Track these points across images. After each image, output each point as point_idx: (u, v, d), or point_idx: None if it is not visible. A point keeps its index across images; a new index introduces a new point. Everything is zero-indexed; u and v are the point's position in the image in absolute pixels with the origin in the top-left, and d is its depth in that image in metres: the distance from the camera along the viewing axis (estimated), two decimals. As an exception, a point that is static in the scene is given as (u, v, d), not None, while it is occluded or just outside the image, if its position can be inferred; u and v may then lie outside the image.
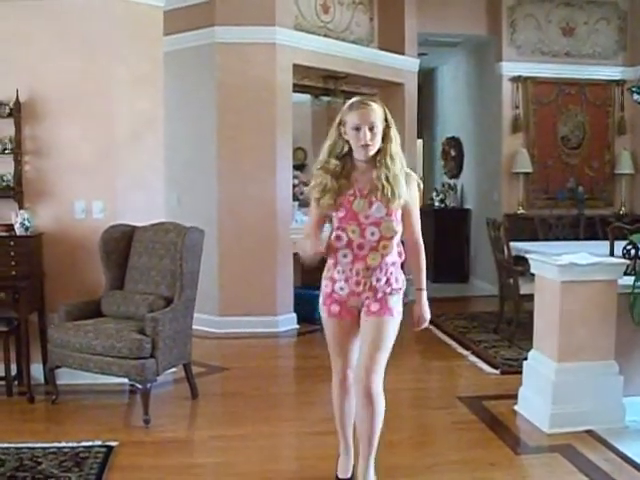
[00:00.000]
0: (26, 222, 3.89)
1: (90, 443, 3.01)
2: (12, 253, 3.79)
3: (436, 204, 8.32)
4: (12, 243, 3.80)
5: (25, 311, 3.73)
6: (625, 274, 3.50)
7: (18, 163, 4.01)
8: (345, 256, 2.48)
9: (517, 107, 7.05)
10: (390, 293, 2.51)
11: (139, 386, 3.35)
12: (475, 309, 6.36)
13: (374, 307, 2.49)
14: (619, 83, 7.08)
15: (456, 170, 8.34)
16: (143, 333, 3.45)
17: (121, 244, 3.97)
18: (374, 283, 2.48)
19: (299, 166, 6.55)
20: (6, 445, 2.98)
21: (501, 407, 3.65)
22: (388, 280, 2.50)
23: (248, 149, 5.42)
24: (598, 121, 7.17)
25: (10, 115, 3.98)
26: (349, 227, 2.44)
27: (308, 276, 5.85)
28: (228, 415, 3.66)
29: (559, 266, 3.41)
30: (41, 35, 4.03)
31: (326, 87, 6.49)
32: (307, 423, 3.47)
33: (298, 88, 5.93)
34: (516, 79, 6.98)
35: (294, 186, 5.81)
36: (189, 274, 3.74)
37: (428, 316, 2.66)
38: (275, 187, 5.46)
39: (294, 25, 5.71)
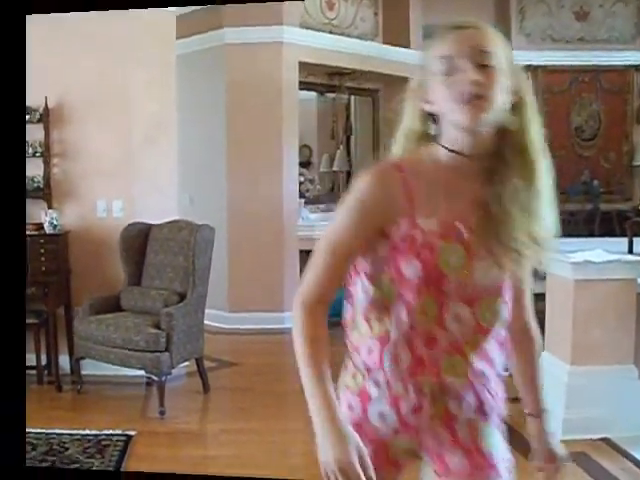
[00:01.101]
0: (54, 221, 4.19)
1: (111, 432, 3.31)
2: (42, 250, 4.09)
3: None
4: (42, 241, 4.11)
5: (53, 305, 4.07)
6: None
7: (47, 165, 4.31)
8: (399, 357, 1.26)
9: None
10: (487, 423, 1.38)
11: (155, 378, 3.65)
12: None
13: (455, 460, 1.32)
14: (638, 68, 6.86)
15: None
16: (158, 327, 3.73)
17: (138, 241, 4.25)
18: (452, 408, 1.30)
19: (305, 163, 6.69)
20: (38, 431, 3.29)
21: (512, 411, 3.66)
22: (482, 402, 1.35)
23: (256, 148, 5.58)
24: (615, 110, 6.93)
25: (40, 121, 4.27)
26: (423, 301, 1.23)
27: None
28: (239, 410, 3.89)
29: (572, 264, 3.24)
30: (66, 43, 4.29)
31: (331, 84, 6.58)
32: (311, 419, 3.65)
33: (303, 85, 6.06)
34: (526, 68, 6.85)
35: (300, 183, 5.97)
36: (200, 270, 3.98)
37: (562, 451, 1.50)
38: (282, 185, 5.64)
39: (300, 23, 5.81)
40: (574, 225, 6.00)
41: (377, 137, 7.00)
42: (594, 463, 2.98)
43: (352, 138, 6.96)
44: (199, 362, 4.03)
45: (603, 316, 3.28)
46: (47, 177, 4.32)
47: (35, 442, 3.20)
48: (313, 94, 6.79)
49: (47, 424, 3.41)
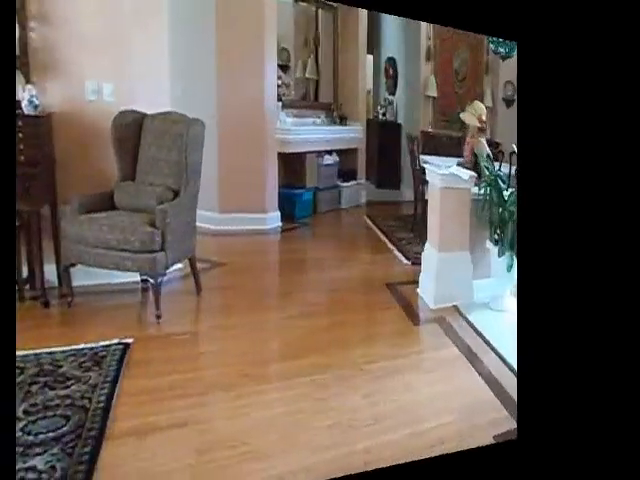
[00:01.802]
0: (34, 99, 1.96)
1: (107, 342, 1.80)
2: (20, 135, 1.89)
3: (380, 117, 6.04)
4: (20, 124, 1.89)
5: (37, 203, 1.97)
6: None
7: (23, 28, 1.93)
8: None
9: (429, 38, 4.79)
10: None
11: (151, 281, 2.04)
12: (401, 212, 4.86)
13: None
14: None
15: (393, 88, 5.89)
16: (154, 226, 2.00)
17: (132, 131, 2.18)
18: None
19: (284, 66, 4.10)
20: (24, 352, 1.67)
21: (409, 290, 2.79)
22: None
23: (241, 49, 3.19)
24: (475, 60, 5.10)
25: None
26: None
27: (287, 176, 3.98)
28: (225, 307, 2.46)
29: (440, 175, 2.50)
30: None
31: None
32: (282, 310, 2.42)
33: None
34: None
35: (278, 87, 3.64)
36: (193, 165, 2.15)
37: None
38: (263, 87, 3.34)
39: None
40: (450, 147, 4.65)
41: (336, 51, 4.51)
42: (447, 324, 2.42)
43: (319, 49, 4.41)
44: (192, 262, 2.36)
45: (456, 215, 2.56)
46: (23, 42, 1.95)
47: (23, 365, 1.62)
48: (290, -1, 3.88)
49: (35, 344, 1.76)
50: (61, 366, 1.68)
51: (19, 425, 1.38)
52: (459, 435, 1.53)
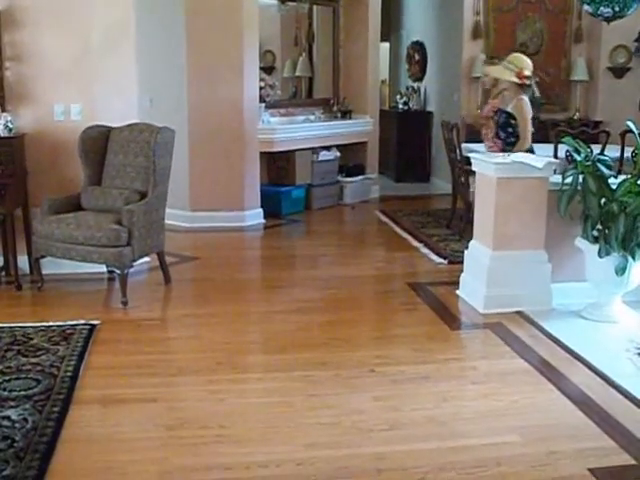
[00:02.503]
0: (9, 124, 3.78)
1: (75, 322, 3.08)
2: (-3, 153, 3.70)
3: (400, 106, 8.01)
4: (-3, 144, 3.71)
5: (11, 206, 3.69)
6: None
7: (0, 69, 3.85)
8: None
9: (478, 14, 6.63)
10: None
11: (117, 271, 3.41)
12: (432, 206, 6.38)
13: None
14: (578, -8, 6.68)
15: (420, 74, 7.95)
16: (120, 224, 3.46)
17: (98, 143, 3.89)
18: None
19: (268, 68, 6.20)
20: (0, 325, 3.04)
21: (444, 291, 3.79)
22: None
23: (216, 52, 5.14)
24: (556, 29, 6.82)
25: (-10, 23, 3.70)
26: None
27: (274, 174, 5.84)
28: (198, 297, 3.76)
29: (495, 164, 3.41)
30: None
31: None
32: (270, 304, 3.58)
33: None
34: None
35: (261, 88, 5.54)
36: (161, 170, 3.70)
37: None
38: (242, 89, 5.22)
39: None
40: None
41: (337, 45, 6.57)
42: (507, 331, 3.21)
43: (314, 46, 6.55)
44: (160, 256, 3.80)
45: (520, 209, 3.44)
46: (0, 80, 3.87)
47: None
48: (274, 1, 6.19)
49: (9, 319, 3.16)
50: (32, 338, 2.93)
51: (-5, 382, 2.53)
52: (525, 460, 2.09)
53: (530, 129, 4.00)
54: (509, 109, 3.89)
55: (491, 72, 4.11)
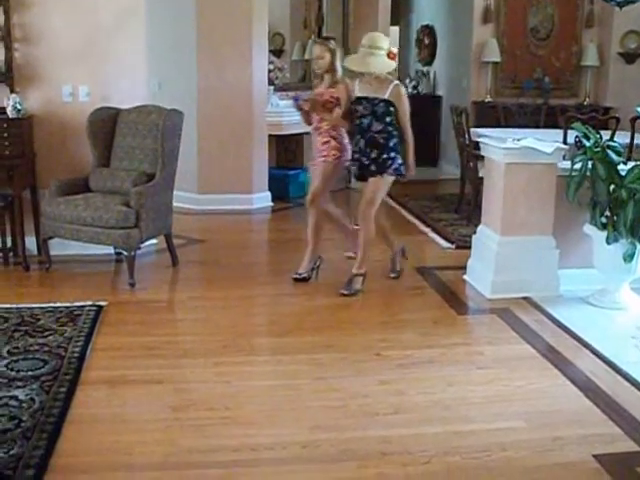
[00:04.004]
0: (17, 105, 3.72)
1: (82, 303, 3.06)
2: (5, 134, 3.65)
3: (409, 90, 7.92)
4: (5, 125, 3.65)
5: (19, 187, 3.65)
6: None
7: (8, 50, 3.81)
8: None
9: None
10: None
11: (125, 253, 3.37)
12: (440, 191, 6.28)
13: None
14: (588, -22, 6.42)
15: (429, 58, 7.79)
16: (128, 205, 3.42)
17: (107, 125, 3.82)
18: None
19: (277, 51, 6.12)
20: (7, 306, 3.02)
21: (451, 276, 3.73)
22: None
23: (225, 35, 5.04)
24: (567, 14, 6.62)
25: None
26: None
27: (282, 157, 5.78)
28: (206, 280, 3.72)
29: (504, 149, 3.34)
30: None
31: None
32: (277, 287, 3.54)
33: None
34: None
35: (270, 71, 5.44)
36: (169, 152, 3.64)
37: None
38: (251, 72, 5.12)
39: None
40: (523, 117, 5.83)
41: (347, 28, 6.45)
42: (514, 316, 3.17)
43: (324, 28, 6.42)
44: (168, 238, 3.75)
45: (528, 194, 3.37)
46: (9, 61, 3.82)
47: (6, 315, 2.92)
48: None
49: (17, 300, 3.14)
50: (39, 319, 2.90)
51: (3, 362, 2.51)
52: (530, 445, 2.07)
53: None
54: (387, 96, 3.30)
55: (372, 69, 3.27)
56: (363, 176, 3.47)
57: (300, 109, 3.46)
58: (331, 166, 3.47)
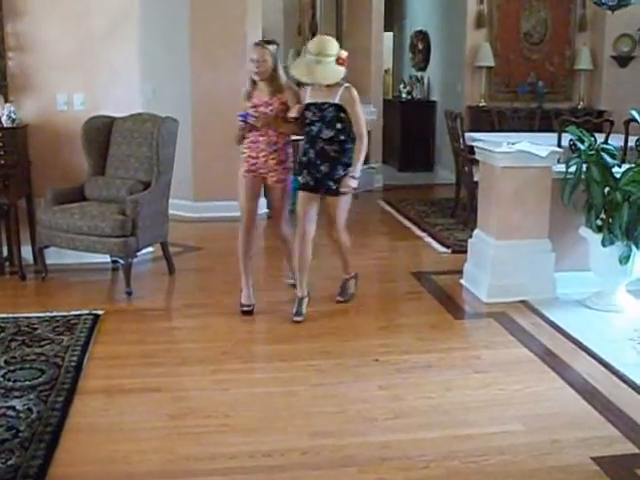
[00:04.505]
0: (12, 114, 3.74)
1: (79, 312, 3.07)
2: (0, 144, 3.67)
3: (403, 96, 7.94)
4: (0, 134, 3.67)
5: (14, 196, 3.66)
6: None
7: (2, 59, 3.83)
8: None
9: (481, 3, 6.53)
10: None
11: (121, 261, 3.38)
12: (436, 196, 6.33)
13: None
14: (580, -18, 6.51)
15: (423, 63, 7.87)
16: (124, 214, 3.44)
17: (102, 133, 3.85)
18: None
19: None
20: (4, 315, 3.03)
21: (448, 281, 3.76)
22: None
23: (219, 41, 5.08)
24: (560, 18, 6.71)
25: (-8, 14, 3.66)
26: None
27: None
28: (202, 287, 3.74)
29: (498, 153, 3.37)
30: None
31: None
32: (274, 294, 3.55)
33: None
34: (482, -21, 6.38)
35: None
36: (165, 160, 3.67)
37: None
38: (245, 78, 5.17)
39: None
40: (517, 121, 5.88)
41: (340, 34, 6.54)
42: (510, 320, 3.20)
43: (317, 34, 6.45)
44: (164, 246, 3.78)
45: (523, 198, 3.40)
46: (3, 70, 3.83)
47: (3, 325, 2.92)
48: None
49: (13, 309, 3.15)
50: (36, 329, 2.90)
51: (0, 372, 2.51)
52: (528, 449, 2.08)
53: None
54: (337, 101, 3.05)
55: (320, 79, 3.03)
56: (314, 188, 3.14)
57: (245, 126, 3.15)
58: (287, 188, 3.24)
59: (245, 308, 3.21)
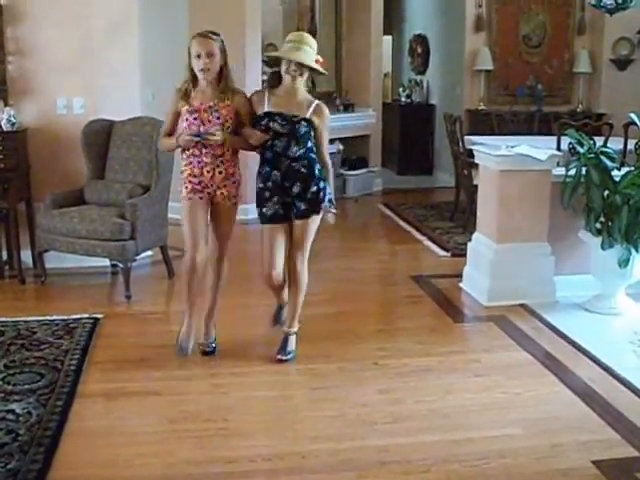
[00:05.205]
0: (12, 118, 3.76)
1: (78, 316, 3.08)
2: (0, 147, 3.68)
3: (402, 99, 7.97)
4: (0, 138, 3.69)
5: (14, 200, 3.67)
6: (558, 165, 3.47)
7: (2, 63, 3.86)
8: None
9: (480, 6, 6.57)
10: None
11: (121, 265, 3.39)
12: (435, 199, 6.34)
13: None
14: (579, -15, 6.55)
15: (422, 67, 7.90)
16: (123, 217, 3.45)
17: (101, 137, 3.87)
18: None
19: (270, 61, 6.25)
20: (3, 319, 3.04)
21: (447, 284, 3.77)
22: None
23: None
24: (558, 21, 6.75)
25: (-8, 18, 3.70)
26: None
27: None
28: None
29: (497, 156, 3.39)
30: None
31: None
32: (273, 297, 3.55)
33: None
34: (480, -18, 6.42)
35: (263, 82, 5.45)
36: (164, 163, 3.68)
37: None
38: (245, 82, 5.05)
39: None
40: (516, 124, 5.91)
41: (340, 38, 6.55)
42: (511, 323, 3.20)
43: (316, 39, 6.54)
44: (163, 250, 3.79)
45: (523, 201, 3.40)
46: (2, 75, 3.86)
47: (2, 329, 2.93)
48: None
49: (12, 313, 3.16)
50: (36, 332, 2.92)
51: (-1, 376, 2.52)
52: (528, 452, 2.09)
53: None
54: (308, 115, 2.62)
55: (303, 57, 2.60)
56: (284, 216, 2.68)
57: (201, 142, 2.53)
58: (236, 207, 2.75)
59: (203, 348, 2.75)
